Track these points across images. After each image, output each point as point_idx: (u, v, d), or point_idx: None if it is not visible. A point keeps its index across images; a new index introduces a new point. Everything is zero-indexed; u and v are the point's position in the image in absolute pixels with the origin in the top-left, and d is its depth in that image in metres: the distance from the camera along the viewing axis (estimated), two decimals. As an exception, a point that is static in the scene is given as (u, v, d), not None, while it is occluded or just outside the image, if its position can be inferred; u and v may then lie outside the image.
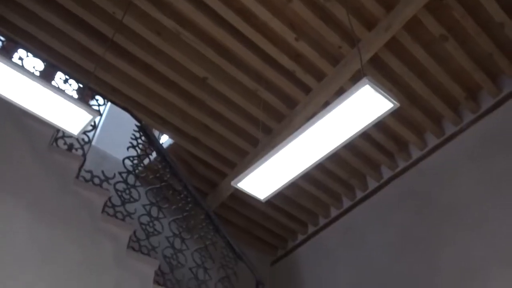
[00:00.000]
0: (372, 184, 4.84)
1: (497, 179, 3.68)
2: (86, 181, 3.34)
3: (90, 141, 3.48)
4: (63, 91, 2.41)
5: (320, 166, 4.66)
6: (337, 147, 2.53)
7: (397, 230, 4.28)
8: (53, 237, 2.95)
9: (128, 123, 4.29)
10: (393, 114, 4.16)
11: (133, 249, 3.33)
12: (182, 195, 3.90)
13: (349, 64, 3.80)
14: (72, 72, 3.78)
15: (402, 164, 4.62)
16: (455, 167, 4.07)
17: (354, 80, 3.76)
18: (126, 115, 3.89)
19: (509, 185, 3.57)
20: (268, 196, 2.83)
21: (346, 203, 5.03)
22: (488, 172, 3.78)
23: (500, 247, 3.39)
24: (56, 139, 3.31)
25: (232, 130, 4.50)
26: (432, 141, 4.42)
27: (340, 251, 4.79)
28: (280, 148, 2.58)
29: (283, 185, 2.77)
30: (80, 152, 3.38)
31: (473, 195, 3.79)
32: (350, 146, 4.50)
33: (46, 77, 3.83)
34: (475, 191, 3.80)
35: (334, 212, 5.13)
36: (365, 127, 2.43)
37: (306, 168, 2.68)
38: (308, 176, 4.77)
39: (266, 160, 2.64)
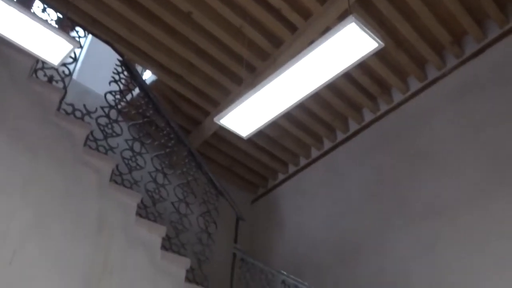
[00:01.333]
0: (354, 126, 4.91)
1: (475, 125, 3.77)
2: (68, 114, 3.32)
3: (70, 73, 3.41)
4: (42, 18, 2.33)
5: (303, 107, 4.69)
6: (321, 86, 2.55)
7: (374, 171, 4.41)
8: (35, 167, 2.96)
9: (110, 59, 4.20)
10: (378, 56, 4.16)
11: (116, 182, 3.38)
12: (164, 132, 3.91)
13: (336, 2, 3.73)
14: (50, 1, 3.63)
15: (384, 108, 4.68)
16: (435, 111, 4.15)
17: (341, 19, 3.69)
18: (107, 51, 3.80)
19: (486, 131, 3.66)
20: (250, 133, 2.86)
21: (327, 144, 5.12)
22: (467, 118, 3.87)
23: (470, 189, 3.53)
24: (35, 70, 3.24)
25: (216, 68, 4.45)
26: (415, 85, 4.46)
27: (319, 190, 4.93)
28: (263, 86, 2.59)
29: (265, 123, 2.80)
30: (60, 84, 3.33)
31: (450, 139, 3.90)
32: (334, 88, 4.52)
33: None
34: (452, 135, 3.90)
35: (314, 153, 5.23)
36: (349, 66, 2.44)
37: (289, 107, 2.70)
38: (290, 117, 4.81)
39: (249, 97, 2.65)
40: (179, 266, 3.39)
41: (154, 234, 3.37)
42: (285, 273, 3.21)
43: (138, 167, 3.59)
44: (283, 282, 3.19)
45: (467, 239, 3.38)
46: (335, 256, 4.34)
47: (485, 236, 3.29)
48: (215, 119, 2.72)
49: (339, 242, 4.40)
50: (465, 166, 3.65)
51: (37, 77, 3.24)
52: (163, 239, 3.42)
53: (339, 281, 4.08)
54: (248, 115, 2.74)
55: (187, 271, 3.44)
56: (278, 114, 2.72)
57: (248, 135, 2.85)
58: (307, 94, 2.59)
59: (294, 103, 2.66)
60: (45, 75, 3.30)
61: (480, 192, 3.47)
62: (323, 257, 4.45)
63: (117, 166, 3.44)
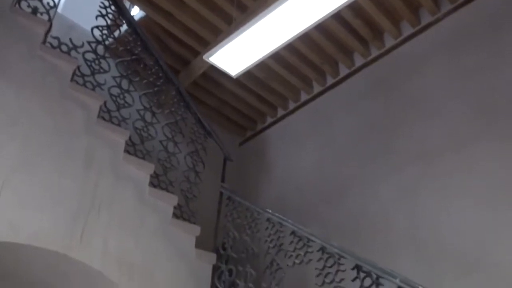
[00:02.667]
0: (344, 70, 4.89)
1: (465, 73, 3.78)
2: (53, 47, 3.24)
3: (55, 5, 3.31)
4: None
5: (293, 50, 4.64)
6: (311, 26, 2.51)
7: (363, 117, 4.44)
8: (21, 102, 2.93)
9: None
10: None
11: (104, 119, 3.37)
12: (153, 70, 3.86)
13: None
14: None
15: (375, 52, 4.64)
16: (426, 58, 4.14)
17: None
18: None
19: (474, 79, 3.68)
20: (239, 72, 2.85)
21: (317, 88, 5.11)
22: (457, 65, 3.87)
23: (454, 136, 3.60)
24: (18, 1, 3.13)
25: (206, 6, 4.34)
26: (407, 30, 4.41)
27: (306, 134, 4.98)
28: (253, 24, 2.55)
29: (254, 62, 2.79)
30: (45, 17, 3.23)
31: (439, 86, 3.92)
32: (325, 31, 4.46)
33: None
34: (441, 82, 3.92)
35: (304, 97, 5.23)
36: (339, 6, 2.40)
37: (279, 46, 2.68)
38: (280, 59, 4.76)
39: (238, 35, 2.62)
40: (166, 202, 3.46)
41: (142, 171, 3.41)
42: (270, 211, 3.30)
43: (126, 104, 3.58)
44: (268, 220, 3.29)
45: (448, 183, 3.49)
46: (320, 198, 4.46)
47: (465, 181, 3.40)
48: (205, 57, 2.70)
49: (325, 184, 4.50)
50: (451, 113, 3.70)
51: (20, 8, 3.13)
52: (151, 176, 3.47)
53: (323, 221, 4.21)
54: (237, 54, 2.72)
55: (175, 207, 3.52)
56: (268, 53, 2.70)
57: (237, 74, 2.84)
58: (297, 34, 2.56)
59: (283, 43, 2.63)
60: (29, 6, 3.19)
61: (464, 139, 3.54)
62: (308, 198, 4.57)
63: (105, 103, 3.42)
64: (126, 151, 3.41)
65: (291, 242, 3.03)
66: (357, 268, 2.54)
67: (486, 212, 3.18)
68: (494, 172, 3.25)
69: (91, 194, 3.10)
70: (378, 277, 2.44)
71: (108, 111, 3.46)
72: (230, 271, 3.38)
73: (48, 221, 2.85)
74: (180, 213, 3.60)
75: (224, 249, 3.55)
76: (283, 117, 5.42)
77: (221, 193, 3.90)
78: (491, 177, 3.25)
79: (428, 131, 3.80)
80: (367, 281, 2.48)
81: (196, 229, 3.55)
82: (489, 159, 3.31)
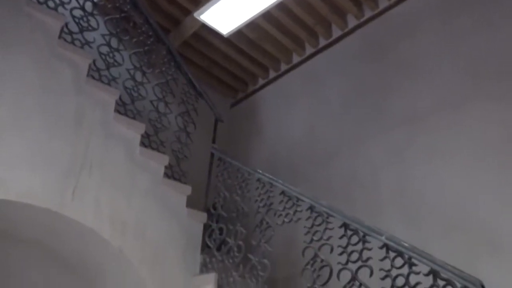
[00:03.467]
0: (337, 32, 4.84)
1: (457, 35, 3.76)
2: (40, 3, 3.16)
3: (40, -41, 3.20)
4: None
5: (286, 9, 4.56)
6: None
7: (355, 79, 4.43)
8: (9, 61, 2.89)
9: None
10: (366, -42, 3.99)
11: (93, 77, 3.33)
12: (143, 29, 3.79)
13: None
14: None
15: (368, 13, 4.59)
16: (419, 19, 4.10)
17: None
18: None
19: (467, 41, 3.66)
20: (230, 31, 2.82)
21: (309, 49, 5.06)
22: (450, 27, 3.84)
23: (444, 99, 3.61)
24: (1, -46, 3.02)
25: (197, -37, 4.23)
26: (402, -10, 4.34)
27: (298, 96, 4.97)
28: (246, -20, 2.49)
29: (246, 21, 2.75)
30: (30, -29, 3.13)
31: (431, 48, 3.90)
32: (319, -10, 4.38)
33: None
34: (434, 44, 3.90)
35: (296, 59, 5.19)
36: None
37: (271, 4, 2.64)
38: (272, 19, 4.69)
39: (230, -8, 2.57)
40: (157, 162, 3.48)
41: (133, 131, 3.40)
42: (260, 171, 3.34)
43: (115, 63, 3.53)
44: (259, 180, 3.32)
45: (436, 145, 3.53)
46: (311, 159, 4.51)
47: (454, 142, 3.44)
48: (196, 14, 2.66)
49: (315, 146, 4.54)
50: (443, 75, 3.70)
51: (4, -38, 3.03)
52: (142, 136, 3.47)
53: (313, 182, 4.27)
54: (229, 12, 2.68)
55: (166, 167, 3.54)
56: (260, 12, 2.67)
57: (228, 32, 2.81)
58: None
59: (275, 1, 2.59)
60: (12, -40, 3.08)
61: (454, 101, 3.56)
62: (299, 161, 4.61)
63: (94, 62, 3.37)
64: (117, 110, 3.40)
65: (281, 201, 3.07)
66: (345, 226, 2.60)
67: (472, 174, 3.24)
68: (482, 134, 3.29)
69: (82, 154, 3.10)
70: (364, 235, 2.50)
71: (98, 69, 3.42)
72: (220, 229, 3.44)
73: (39, 179, 2.86)
74: (171, 173, 3.62)
75: (214, 208, 3.60)
76: (274, 79, 5.39)
77: (212, 154, 3.92)
78: (479, 139, 3.29)
79: (419, 92, 3.81)
80: (354, 239, 2.54)
81: (187, 189, 3.59)
82: (478, 121, 3.34)
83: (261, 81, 5.55)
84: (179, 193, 3.53)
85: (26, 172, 2.82)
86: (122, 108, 3.50)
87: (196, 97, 4.06)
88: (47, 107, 3.02)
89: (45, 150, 2.93)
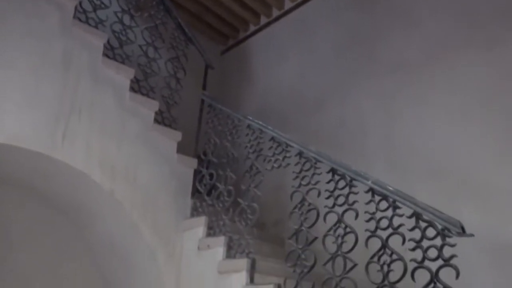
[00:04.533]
0: (330, -23, 4.71)
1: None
2: None
3: None
4: None
5: (279, -48, 4.41)
6: None
7: (346, 27, 4.37)
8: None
9: None
10: None
11: (80, 20, 3.25)
12: (130, -30, 3.67)
13: None
14: None
15: (362, -42, 4.45)
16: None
17: None
18: None
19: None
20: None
21: (301, -5, 4.95)
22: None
23: (436, 46, 3.59)
24: None
25: None
26: None
27: (289, 44, 4.91)
28: None
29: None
30: None
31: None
32: None
33: None
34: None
35: (288, 4, 5.08)
36: None
37: None
38: (265, -38, 4.54)
39: None
40: (147, 108, 3.47)
41: (122, 75, 3.37)
42: (250, 118, 3.34)
43: (102, 5, 3.44)
44: (249, 126, 3.33)
45: (425, 95, 3.54)
46: (301, 107, 4.52)
47: (442, 91, 3.46)
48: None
49: (306, 94, 4.54)
50: (434, 25, 3.66)
51: None
52: (131, 81, 3.44)
53: (302, 130, 4.30)
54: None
55: (156, 113, 3.54)
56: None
57: (218, -26, 2.71)
58: None
59: None
60: None
61: (444, 51, 3.53)
62: (289, 108, 4.62)
63: (80, 3, 3.28)
64: (105, 55, 3.35)
65: (270, 147, 3.11)
66: (332, 171, 2.66)
67: (459, 123, 3.29)
68: (472, 83, 3.30)
69: (71, 98, 3.08)
70: (351, 179, 2.56)
71: (84, 11, 3.33)
72: (210, 175, 3.49)
73: (28, 123, 2.86)
74: (161, 119, 3.62)
75: (205, 154, 3.63)
76: (266, 25, 5.29)
77: (203, 101, 3.91)
78: (468, 88, 3.31)
79: (410, 41, 3.78)
80: (341, 183, 2.60)
81: (178, 135, 3.61)
82: (467, 70, 3.34)
83: (252, 28, 5.45)
84: (169, 139, 3.55)
85: (14, 116, 2.81)
86: (110, 52, 3.44)
87: (186, 42, 3.99)
88: (33, 50, 2.96)
89: (33, 94, 2.91)
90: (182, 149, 3.62)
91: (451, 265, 2.00)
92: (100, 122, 3.19)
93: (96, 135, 3.14)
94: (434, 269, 2.07)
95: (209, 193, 3.44)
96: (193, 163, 3.63)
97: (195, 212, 3.47)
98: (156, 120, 3.53)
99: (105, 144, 3.17)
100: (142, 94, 3.54)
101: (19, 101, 2.84)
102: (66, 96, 3.05)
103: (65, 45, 3.10)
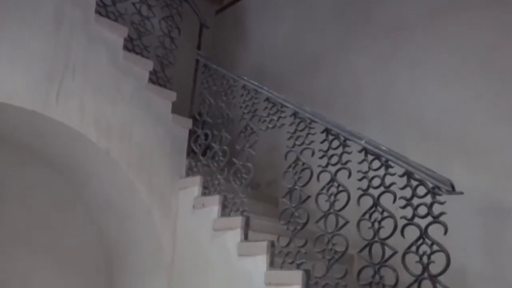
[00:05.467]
0: None
1: None
2: None
3: None
4: None
5: None
6: None
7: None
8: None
9: None
10: None
11: (71, -24, 3.18)
12: None
13: None
14: None
15: None
16: None
17: None
18: None
19: None
20: None
21: (298, -46, 4.82)
22: None
23: (431, 8, 3.54)
24: None
25: None
26: None
27: (285, 4, 4.82)
28: None
29: None
30: None
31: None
32: None
33: None
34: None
35: (284, -38, 4.96)
36: None
37: None
38: None
39: None
40: (142, 67, 3.45)
41: (116, 34, 3.33)
42: (245, 78, 3.33)
43: (93, -40, 3.35)
44: (244, 87, 3.32)
45: (420, 56, 3.52)
46: (296, 69, 4.49)
47: (437, 53, 3.44)
48: None
49: (301, 55, 4.50)
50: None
51: None
52: (125, 40, 3.40)
53: (297, 91, 4.29)
54: None
55: (150, 73, 3.52)
56: None
57: None
58: None
59: None
60: None
61: (441, 11, 3.49)
62: (284, 69, 4.60)
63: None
64: (98, 12, 3.29)
65: (265, 108, 3.11)
66: (326, 131, 2.68)
67: (454, 84, 3.29)
68: (467, 44, 3.29)
69: (64, 56, 3.05)
70: (345, 139, 2.58)
71: (74, -33, 3.24)
72: (206, 135, 3.51)
73: (21, 81, 2.85)
74: (155, 79, 3.60)
75: (200, 115, 3.64)
76: (262, -16, 5.18)
77: (197, 61, 3.88)
78: (464, 49, 3.30)
79: (406, 2, 3.72)
80: (335, 143, 2.63)
81: (172, 95, 3.60)
82: (464, 30, 3.32)
83: (247, -13, 5.34)
84: (164, 99, 3.55)
85: (6, 74, 2.79)
86: (103, 10, 3.38)
87: (180, 0, 3.92)
88: (23, 6, 2.90)
89: (25, 52, 2.88)
90: (177, 109, 3.62)
91: (440, 222, 2.06)
92: (94, 81, 3.17)
93: (90, 94, 3.13)
94: (423, 226, 2.12)
95: (204, 153, 3.47)
96: (188, 123, 3.64)
97: (190, 171, 3.51)
98: (150, 80, 3.51)
99: (100, 104, 3.17)
100: (136, 53, 3.51)
101: (10, 58, 2.81)
102: (58, 54, 3.02)
103: (56, 2, 3.04)
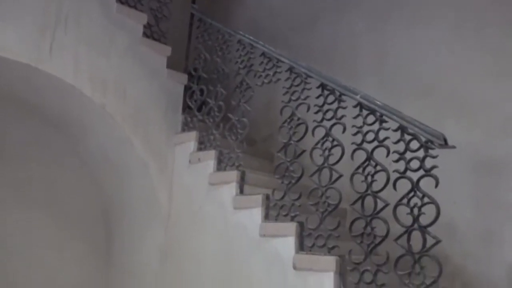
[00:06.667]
0: None
1: None
2: None
3: None
4: None
5: None
6: None
7: None
8: None
9: None
10: None
11: None
12: None
13: None
14: None
15: None
16: None
17: None
18: None
19: None
20: None
21: None
22: None
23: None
24: None
25: None
26: None
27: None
28: None
29: None
30: None
31: None
32: None
33: None
34: None
35: None
36: None
37: None
38: None
39: None
40: (135, 20, 3.39)
41: (108, -15, 3.25)
42: (241, 32, 3.28)
43: None
44: (240, 41, 3.27)
45: (419, 14, 3.48)
46: (292, 25, 4.42)
47: (435, 9, 3.40)
48: None
49: (297, 13, 4.42)
50: None
51: None
52: (118, -8, 3.32)
53: (293, 48, 4.24)
54: None
55: (144, 27, 3.46)
56: None
57: None
58: None
59: None
60: None
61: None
62: (280, 25, 4.52)
63: None
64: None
65: (261, 62, 3.09)
66: (322, 86, 2.67)
67: (451, 40, 3.27)
68: (465, 1, 3.25)
69: (56, 8, 3.00)
70: (340, 94, 2.58)
71: None
72: (201, 90, 3.50)
73: (13, 34, 2.80)
74: (150, 33, 3.54)
75: (195, 70, 3.61)
76: None
77: (192, 15, 3.81)
78: (461, 6, 3.25)
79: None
80: (330, 98, 2.63)
81: (167, 50, 3.56)
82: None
83: None
84: (158, 54, 3.51)
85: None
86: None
87: None
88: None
89: (15, 3, 2.80)
90: (172, 65, 3.59)
91: (431, 175, 2.09)
92: (87, 35, 3.12)
93: (83, 48, 3.09)
94: (415, 179, 2.16)
95: (199, 109, 3.47)
96: (183, 78, 3.62)
97: (185, 127, 3.52)
98: (144, 34, 3.46)
99: (93, 58, 3.13)
100: (130, 6, 3.43)
101: (1, 12, 2.75)
102: (50, 7, 2.95)
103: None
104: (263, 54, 3.09)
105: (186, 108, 3.58)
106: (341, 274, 2.30)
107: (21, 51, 2.81)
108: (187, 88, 3.61)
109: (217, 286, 2.92)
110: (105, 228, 3.94)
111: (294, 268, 2.46)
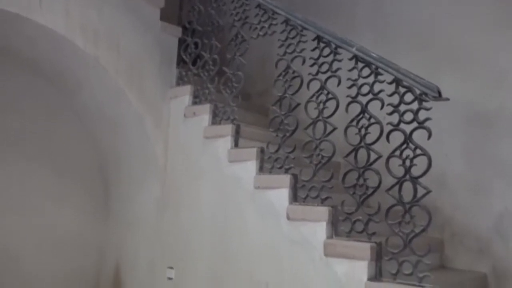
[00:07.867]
0: None
1: None
2: None
3: None
4: None
5: None
6: None
7: None
8: None
9: None
10: None
11: None
12: None
13: None
14: None
15: None
16: None
17: None
18: None
19: None
20: None
21: None
22: None
23: None
24: None
25: None
26: None
27: None
28: None
29: None
30: None
31: None
32: None
33: None
34: None
35: None
36: None
37: None
38: None
39: None
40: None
41: None
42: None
43: None
44: (259, 6, 3.14)
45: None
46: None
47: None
48: None
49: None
50: None
51: None
52: None
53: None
54: None
55: (137, -24, 3.37)
56: None
57: None
58: None
59: None
60: None
61: None
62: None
63: None
64: None
65: (257, 15, 3.03)
66: (318, 38, 2.64)
67: None
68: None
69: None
70: (336, 47, 2.56)
71: None
72: (195, 43, 3.45)
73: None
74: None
75: (189, 23, 3.55)
76: None
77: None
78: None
79: None
80: (326, 51, 2.61)
81: (160, 1, 3.48)
82: None
83: None
84: (152, 5, 3.44)
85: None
86: None
87: None
88: None
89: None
90: (165, 17, 3.52)
91: (424, 127, 2.11)
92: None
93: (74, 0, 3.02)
94: (408, 131, 2.19)
95: (194, 63, 3.44)
96: (177, 31, 3.56)
97: (180, 81, 3.50)
98: (139, -15, 3.37)
99: (85, 9, 3.06)
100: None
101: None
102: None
103: None
104: (258, 5, 3.02)
105: (180, 61, 3.55)
106: (333, 224, 2.36)
107: (10, 0, 2.74)
108: (181, 42, 3.56)
109: (213, 236, 3.00)
110: (103, 180, 3.99)
111: (288, 218, 2.52)
